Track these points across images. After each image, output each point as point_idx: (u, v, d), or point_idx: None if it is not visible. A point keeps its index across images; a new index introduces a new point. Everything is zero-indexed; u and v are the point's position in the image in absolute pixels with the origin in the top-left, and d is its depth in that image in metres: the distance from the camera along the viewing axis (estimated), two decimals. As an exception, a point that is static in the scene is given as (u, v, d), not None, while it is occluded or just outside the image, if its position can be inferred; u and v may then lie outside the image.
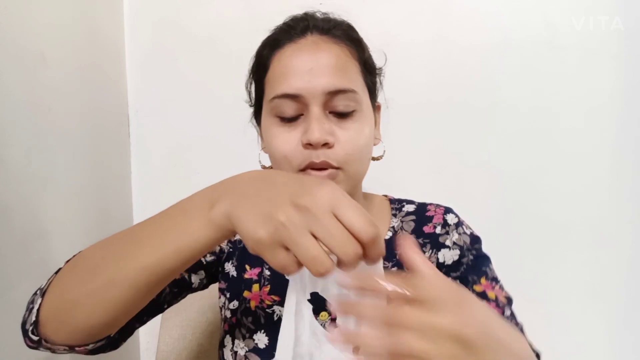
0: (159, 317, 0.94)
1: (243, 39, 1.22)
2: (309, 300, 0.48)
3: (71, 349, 0.54)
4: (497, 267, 0.72)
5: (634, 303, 1.25)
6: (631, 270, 1.24)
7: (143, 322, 0.66)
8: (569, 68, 1.21)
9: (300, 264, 0.41)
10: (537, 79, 1.22)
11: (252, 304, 0.70)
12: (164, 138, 1.24)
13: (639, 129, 1.22)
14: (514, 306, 0.67)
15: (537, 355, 0.60)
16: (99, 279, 0.50)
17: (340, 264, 0.40)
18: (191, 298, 0.75)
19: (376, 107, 0.74)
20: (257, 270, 0.72)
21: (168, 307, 0.70)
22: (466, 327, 0.38)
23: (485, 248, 0.73)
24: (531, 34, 1.21)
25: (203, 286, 0.74)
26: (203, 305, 0.94)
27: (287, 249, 0.40)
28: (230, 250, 0.75)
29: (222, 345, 0.75)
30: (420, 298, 0.38)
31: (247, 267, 0.73)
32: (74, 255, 0.58)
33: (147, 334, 1.26)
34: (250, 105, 0.76)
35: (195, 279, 0.71)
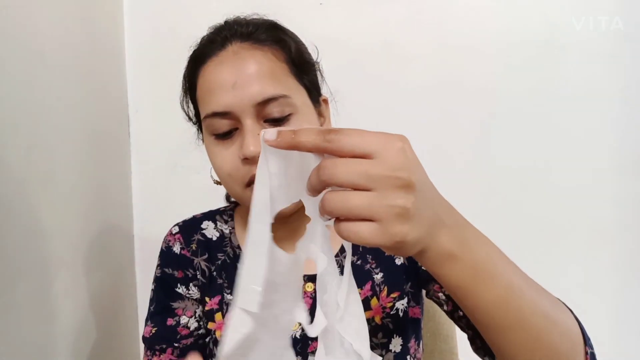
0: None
1: (243, 39, 1.22)
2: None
3: None
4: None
5: (634, 303, 1.25)
6: (631, 271, 1.24)
7: None
8: (568, 68, 1.21)
9: None
10: (537, 79, 1.22)
11: (218, 333, 0.70)
12: (164, 138, 1.23)
13: (639, 129, 1.22)
14: None
15: None
16: None
17: None
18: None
19: (322, 102, 0.72)
20: (217, 299, 0.72)
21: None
22: (402, 170, 0.36)
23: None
24: (531, 34, 1.21)
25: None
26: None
27: None
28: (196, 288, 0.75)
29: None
30: (346, 149, 0.36)
31: (207, 298, 0.73)
32: None
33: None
34: (194, 123, 0.76)
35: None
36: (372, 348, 0.67)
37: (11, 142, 0.78)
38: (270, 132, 0.38)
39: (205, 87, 0.65)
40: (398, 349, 0.69)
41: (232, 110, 0.61)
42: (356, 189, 0.36)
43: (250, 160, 0.60)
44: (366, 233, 0.36)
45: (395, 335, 0.69)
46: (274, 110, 0.61)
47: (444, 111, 1.22)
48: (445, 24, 1.21)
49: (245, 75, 0.61)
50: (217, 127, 0.63)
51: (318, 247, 0.43)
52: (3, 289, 0.75)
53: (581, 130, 1.22)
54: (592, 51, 1.21)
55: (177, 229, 0.78)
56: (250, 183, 0.62)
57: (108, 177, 1.14)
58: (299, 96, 0.65)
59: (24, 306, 0.79)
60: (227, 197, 0.84)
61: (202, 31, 1.31)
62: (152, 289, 0.76)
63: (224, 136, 0.63)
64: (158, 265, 0.76)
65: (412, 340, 0.71)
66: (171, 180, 1.23)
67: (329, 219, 0.38)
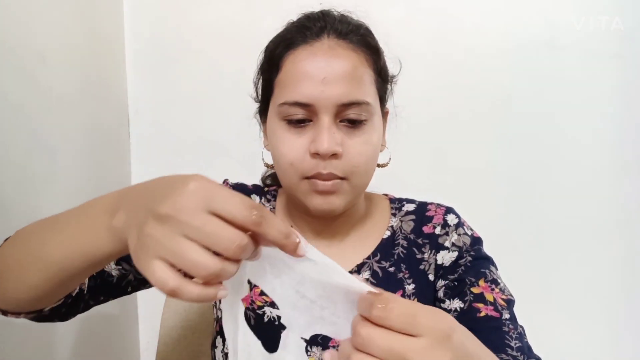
0: (159, 317, 0.94)
1: (243, 39, 1.22)
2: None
3: (3, 313, 0.55)
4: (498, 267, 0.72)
5: (634, 303, 1.25)
6: (631, 270, 1.24)
7: (100, 302, 0.65)
8: (569, 68, 1.21)
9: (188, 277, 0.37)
10: (537, 79, 1.22)
11: (243, 305, 0.70)
12: (164, 138, 1.24)
13: (639, 129, 1.22)
14: (515, 307, 0.66)
15: None
16: (22, 259, 0.51)
17: (227, 259, 0.37)
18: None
19: (384, 113, 0.73)
20: None
21: (134, 291, 0.69)
22: (440, 354, 0.35)
23: (486, 248, 0.73)
24: (531, 34, 1.21)
25: None
26: (203, 305, 0.94)
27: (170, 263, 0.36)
28: None
29: (213, 346, 0.74)
30: (390, 320, 0.35)
31: None
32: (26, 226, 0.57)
33: (147, 334, 1.26)
34: (256, 101, 0.75)
35: None
36: None
37: (11, 142, 0.78)
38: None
39: (293, 73, 0.64)
40: None
41: (314, 103, 0.62)
42: None
43: (320, 157, 0.61)
44: None
45: None
46: (353, 114, 0.63)
47: (443, 112, 1.22)
48: (445, 24, 1.21)
49: (336, 74, 0.62)
50: (293, 114, 0.63)
51: None
52: (3, 288, 0.75)
53: (581, 129, 1.22)
54: (592, 51, 1.21)
55: (230, 182, 0.78)
56: (310, 177, 0.63)
57: (108, 177, 1.14)
58: (376, 105, 0.66)
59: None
60: (264, 180, 0.84)
61: (202, 31, 1.31)
62: None
63: (296, 124, 0.64)
64: None
65: None
66: (171, 180, 1.23)
67: None
